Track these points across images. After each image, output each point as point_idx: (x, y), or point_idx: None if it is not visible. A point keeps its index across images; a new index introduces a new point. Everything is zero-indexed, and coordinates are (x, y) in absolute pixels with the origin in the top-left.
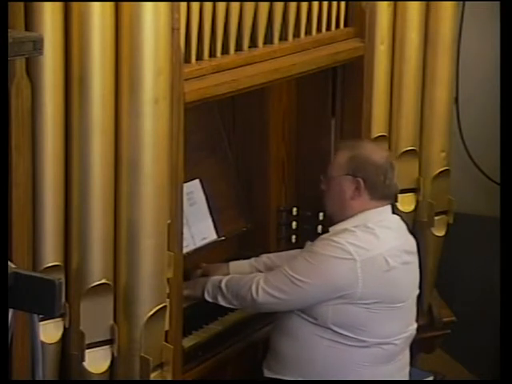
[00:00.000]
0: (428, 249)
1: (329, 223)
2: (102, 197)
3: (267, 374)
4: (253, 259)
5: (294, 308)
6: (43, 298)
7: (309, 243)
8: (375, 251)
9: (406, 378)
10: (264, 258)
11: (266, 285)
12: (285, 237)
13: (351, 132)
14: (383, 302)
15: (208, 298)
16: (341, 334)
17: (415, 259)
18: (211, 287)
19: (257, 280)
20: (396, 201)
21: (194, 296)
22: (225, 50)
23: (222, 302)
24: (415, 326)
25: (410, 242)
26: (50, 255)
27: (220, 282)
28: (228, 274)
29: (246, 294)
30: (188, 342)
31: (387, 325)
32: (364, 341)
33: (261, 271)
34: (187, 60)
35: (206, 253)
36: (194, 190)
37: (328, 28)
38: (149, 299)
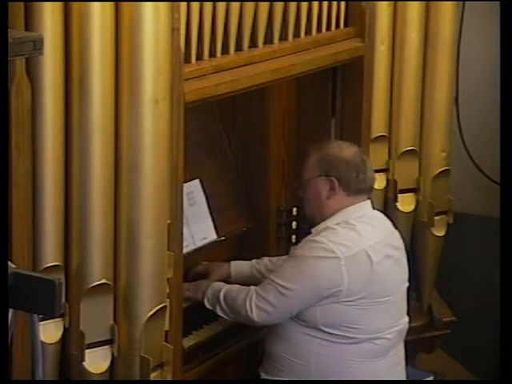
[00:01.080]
0: (428, 249)
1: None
2: (102, 197)
3: (264, 376)
4: (254, 261)
5: (289, 316)
6: (43, 298)
7: (293, 248)
8: (357, 247)
9: (401, 373)
10: (265, 260)
11: (257, 300)
12: (285, 237)
13: (351, 132)
14: (370, 297)
15: (207, 305)
16: (331, 333)
17: (401, 253)
18: (211, 295)
19: (250, 295)
20: (396, 200)
21: (194, 299)
22: (225, 50)
23: (220, 313)
24: (407, 319)
25: (395, 237)
26: (50, 255)
27: (219, 291)
28: (229, 273)
29: (241, 310)
30: (188, 342)
31: (377, 320)
32: (355, 337)
33: (262, 272)
34: (187, 60)
35: (206, 253)
36: (194, 190)
37: (328, 28)
38: (149, 299)
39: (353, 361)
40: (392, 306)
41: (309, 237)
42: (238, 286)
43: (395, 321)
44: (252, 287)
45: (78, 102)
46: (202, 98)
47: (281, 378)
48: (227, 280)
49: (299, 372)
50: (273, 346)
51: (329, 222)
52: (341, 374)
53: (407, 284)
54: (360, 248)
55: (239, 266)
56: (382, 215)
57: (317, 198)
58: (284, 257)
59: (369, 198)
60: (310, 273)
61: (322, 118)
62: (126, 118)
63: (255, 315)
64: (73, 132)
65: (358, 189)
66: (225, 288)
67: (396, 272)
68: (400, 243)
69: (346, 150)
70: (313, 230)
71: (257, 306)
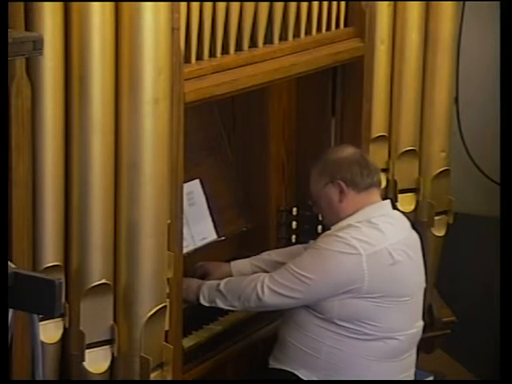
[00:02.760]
0: (428, 249)
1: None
2: (102, 197)
3: (272, 364)
4: (252, 258)
5: (300, 305)
6: (43, 297)
7: (299, 246)
8: (380, 245)
9: (410, 379)
10: (264, 255)
11: (271, 283)
12: (285, 237)
13: (351, 132)
14: (389, 296)
15: (204, 302)
16: (345, 327)
17: (419, 254)
18: (207, 291)
19: (261, 279)
20: (396, 200)
21: (185, 300)
22: (225, 50)
23: (221, 305)
24: (422, 323)
25: (414, 237)
26: (50, 255)
27: (218, 285)
28: (229, 272)
29: (251, 293)
30: (188, 342)
31: (393, 319)
32: (369, 334)
33: (262, 268)
34: (187, 60)
35: (206, 253)
36: (193, 189)
37: (328, 28)
38: (149, 299)
39: (364, 358)
40: (409, 307)
41: (330, 231)
42: (239, 277)
43: (410, 323)
44: (262, 273)
45: (78, 102)
46: (202, 98)
47: (287, 368)
48: None
49: (309, 363)
50: (286, 333)
51: (351, 220)
52: (349, 371)
53: (424, 286)
54: (382, 246)
55: (239, 266)
56: (401, 215)
57: (331, 206)
58: (283, 249)
59: (385, 198)
60: (330, 266)
61: (322, 118)
62: (125, 118)
63: (267, 297)
64: (73, 132)
65: (366, 184)
66: (224, 280)
67: (415, 273)
68: (418, 244)
69: (344, 151)
70: (332, 228)
71: (270, 288)
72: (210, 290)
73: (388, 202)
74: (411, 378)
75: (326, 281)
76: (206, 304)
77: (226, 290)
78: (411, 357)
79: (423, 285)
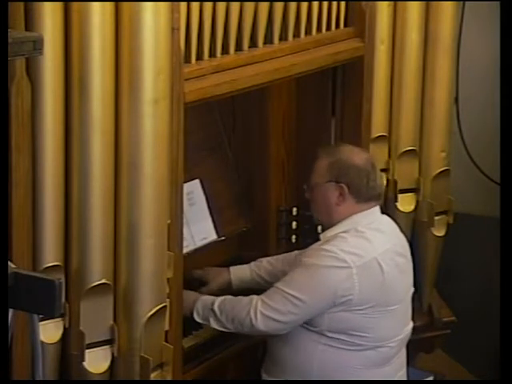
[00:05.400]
0: (428, 249)
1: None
2: (102, 197)
3: (265, 377)
4: (253, 263)
5: (297, 324)
6: (43, 298)
7: (296, 252)
8: (368, 256)
9: (403, 378)
10: (264, 262)
11: (264, 309)
12: (285, 237)
13: (351, 132)
14: (378, 306)
15: (198, 318)
16: (336, 338)
17: (408, 259)
18: (202, 308)
19: (254, 304)
20: (396, 200)
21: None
22: (225, 50)
23: (214, 325)
24: (411, 325)
25: (402, 243)
26: (50, 255)
27: (212, 304)
28: (230, 280)
29: (244, 319)
30: (188, 342)
31: (383, 328)
32: (360, 344)
33: (262, 277)
34: (187, 60)
35: (206, 253)
36: (193, 189)
37: (328, 28)
38: (149, 299)
39: (355, 368)
40: (398, 314)
41: (317, 245)
42: (231, 296)
43: (400, 329)
44: (254, 296)
45: (78, 102)
46: (202, 98)
47: (280, 379)
48: (228, 288)
49: (301, 375)
50: (275, 347)
51: (337, 229)
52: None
53: (413, 290)
54: (371, 256)
55: (239, 272)
56: (390, 220)
57: (325, 204)
58: (281, 255)
59: (378, 205)
60: (322, 283)
61: (322, 118)
62: (126, 118)
63: (260, 324)
64: (73, 132)
65: (368, 196)
66: (218, 300)
67: (404, 280)
68: (407, 249)
69: (358, 157)
70: (321, 237)
71: (263, 314)
72: (204, 308)
73: (377, 208)
74: (404, 377)
75: (319, 298)
76: (200, 321)
77: (219, 311)
78: (401, 358)
79: (411, 289)
